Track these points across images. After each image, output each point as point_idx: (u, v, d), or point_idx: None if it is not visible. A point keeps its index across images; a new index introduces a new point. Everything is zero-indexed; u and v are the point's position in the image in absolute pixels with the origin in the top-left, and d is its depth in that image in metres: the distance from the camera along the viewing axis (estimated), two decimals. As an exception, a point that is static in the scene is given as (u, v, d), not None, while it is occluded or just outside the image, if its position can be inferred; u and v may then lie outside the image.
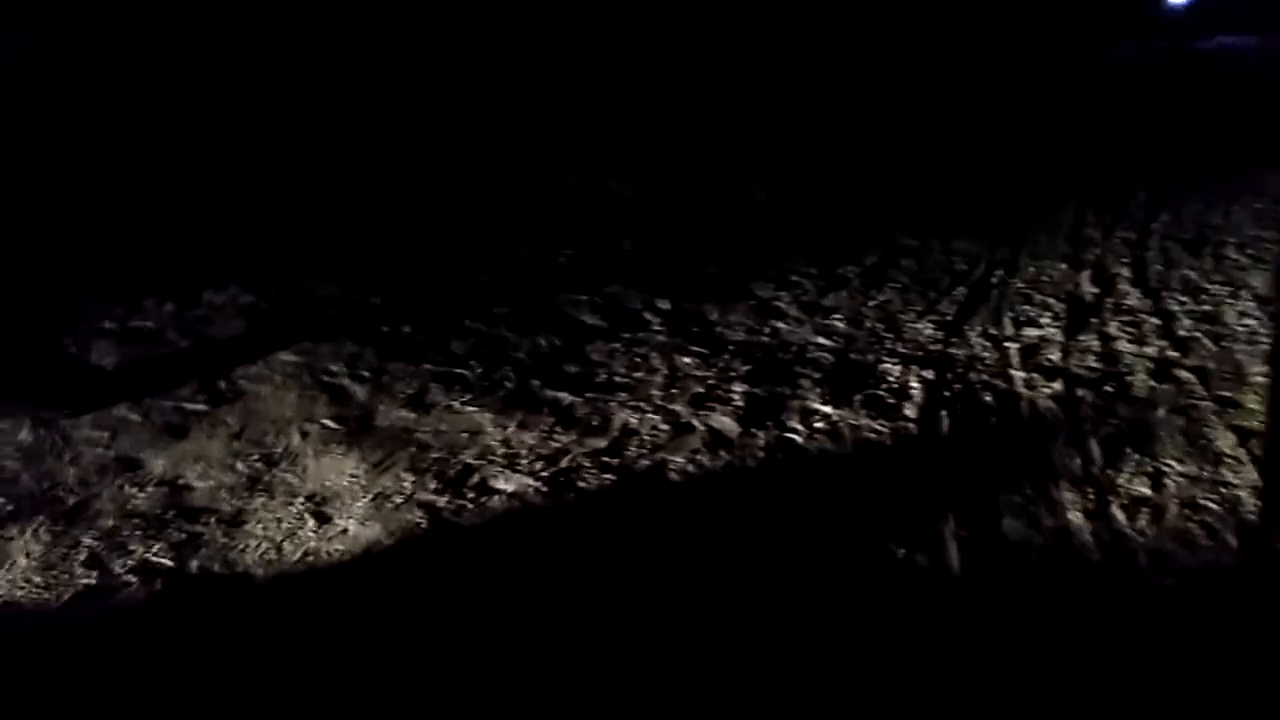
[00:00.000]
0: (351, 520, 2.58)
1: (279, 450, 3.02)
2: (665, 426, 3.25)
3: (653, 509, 2.70)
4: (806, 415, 3.39)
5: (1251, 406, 3.38)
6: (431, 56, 9.89)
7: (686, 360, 3.89)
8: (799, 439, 3.20)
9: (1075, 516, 2.74)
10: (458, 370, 3.67)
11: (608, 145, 8.79)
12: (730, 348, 4.09)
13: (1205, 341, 4.13)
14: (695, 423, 3.29)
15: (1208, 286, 4.96)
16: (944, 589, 2.35)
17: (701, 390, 3.58)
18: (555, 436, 3.15)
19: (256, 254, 5.24)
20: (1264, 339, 4.09)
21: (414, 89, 9.45)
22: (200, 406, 3.36)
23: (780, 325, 4.43)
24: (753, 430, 3.24)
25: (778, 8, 11.49)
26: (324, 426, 3.18)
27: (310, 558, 2.40)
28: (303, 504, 2.68)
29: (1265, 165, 7.61)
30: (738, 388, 3.60)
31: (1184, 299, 4.77)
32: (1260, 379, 3.64)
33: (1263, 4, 10.70)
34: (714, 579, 2.35)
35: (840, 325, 4.44)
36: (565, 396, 3.47)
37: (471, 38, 10.33)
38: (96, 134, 6.17)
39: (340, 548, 2.45)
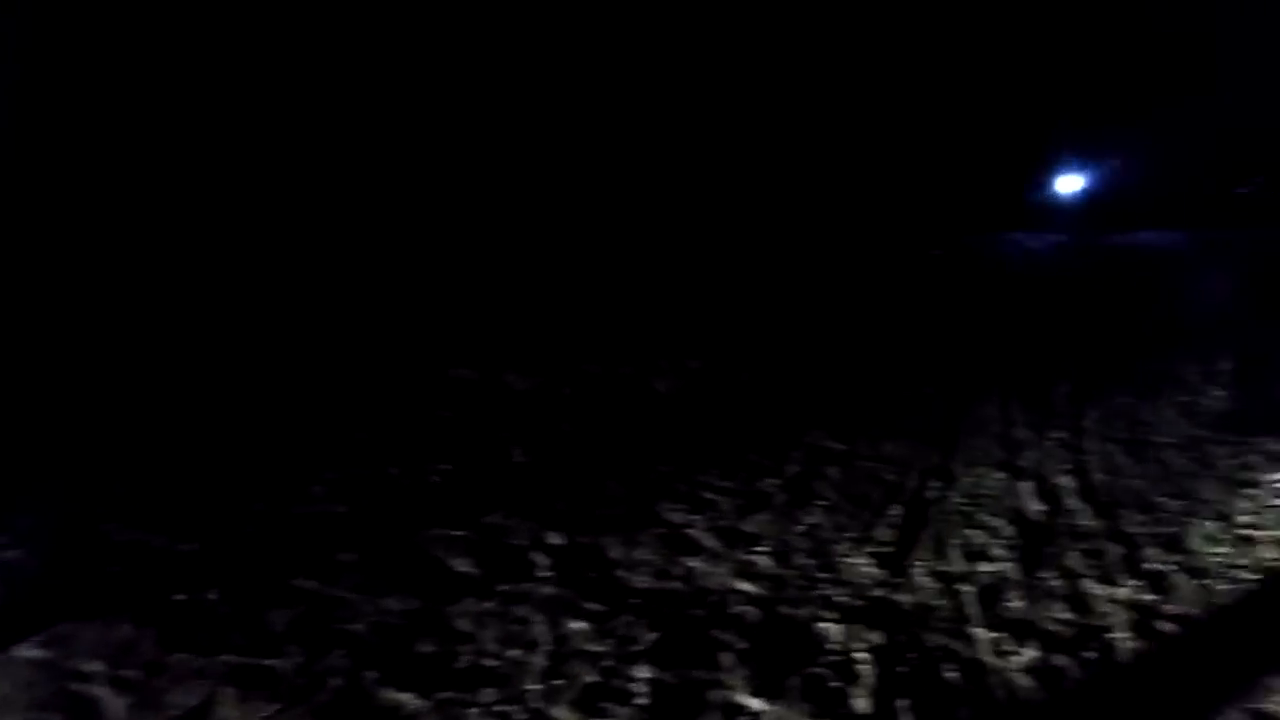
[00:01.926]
0: None
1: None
2: (543, 751, 2.41)
3: None
4: (731, 714, 2.60)
5: (1267, 682, 2.74)
6: (311, 222, 9.33)
7: (578, 626, 3.08)
8: (723, 763, 2.39)
9: None
10: (266, 661, 2.76)
11: (509, 332, 8.19)
12: (634, 602, 3.30)
13: (1181, 579, 3.55)
14: (584, 739, 2.46)
15: (1161, 500, 4.47)
16: None
17: (595, 677, 2.76)
18: (386, 781, 2.26)
19: (49, 482, 4.29)
20: (1244, 575, 3.54)
21: (285, 257, 8.79)
22: None
23: (694, 564, 3.69)
24: (661, 751, 2.42)
25: (680, 192, 11.46)
26: (41, 784, 2.22)
27: None
28: None
29: (1183, 358, 7.45)
30: (641, 671, 2.80)
31: (1140, 518, 4.25)
32: (1257, 637, 3.04)
33: (1164, 202, 11.18)
34: None
35: (765, 562, 3.72)
36: (408, 700, 2.60)
37: (364, 210, 9.86)
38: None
39: None
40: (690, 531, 4.05)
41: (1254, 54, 10.22)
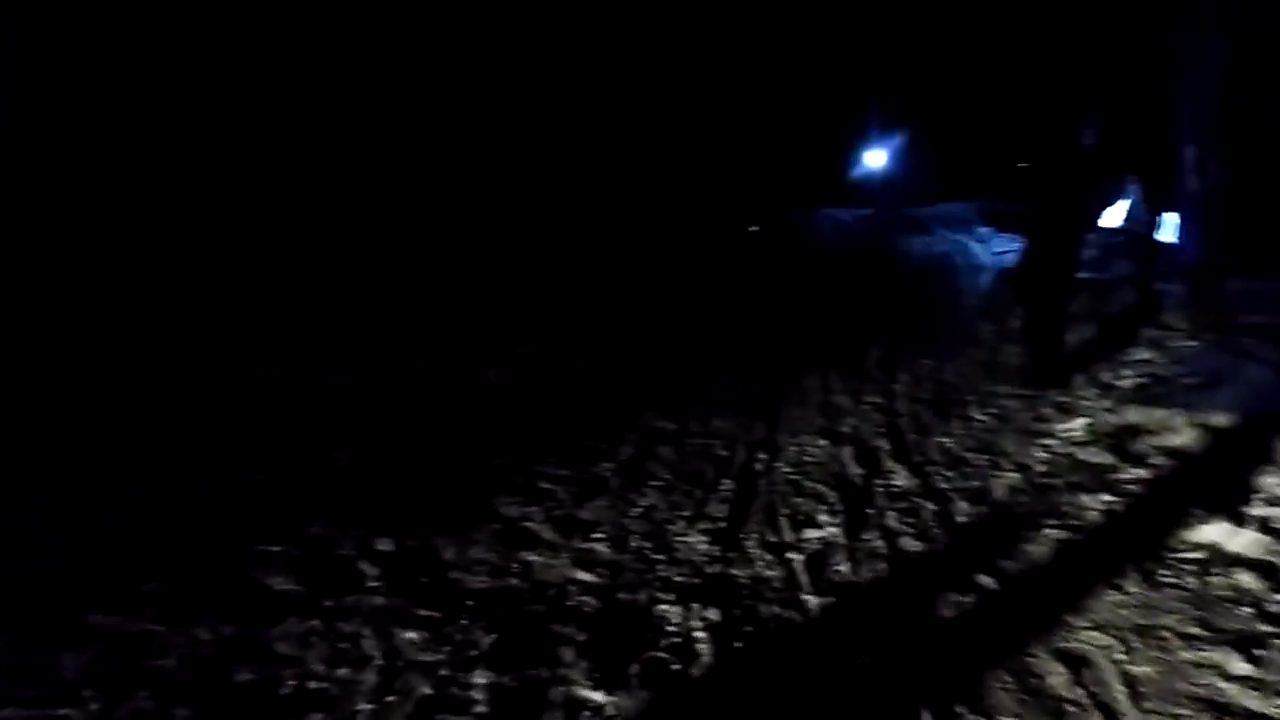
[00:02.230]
0: None
1: None
2: (377, 773, 2.29)
3: None
4: (573, 710, 2.56)
5: (1068, 619, 2.97)
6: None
7: (411, 636, 2.96)
8: (566, 762, 2.36)
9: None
10: (59, 711, 2.48)
11: (328, 329, 7.76)
12: (469, 604, 3.21)
13: (989, 529, 3.81)
14: (421, 757, 2.35)
15: (967, 455, 4.79)
16: None
17: (430, 689, 2.65)
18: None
19: None
20: (1044, 521, 3.83)
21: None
22: None
23: (532, 558, 3.63)
24: (502, 757, 2.35)
25: (505, 181, 11.29)
26: None
27: None
28: None
29: (978, 317, 8.03)
30: (479, 677, 2.71)
31: (950, 473, 4.54)
32: (1057, 579, 3.30)
33: (951, 178, 12.07)
34: None
35: (603, 549, 3.71)
36: (227, 738, 2.41)
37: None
38: None
39: None
40: (527, 524, 3.98)
41: (1035, 51, 11.19)
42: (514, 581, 3.41)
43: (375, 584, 3.36)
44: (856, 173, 14.20)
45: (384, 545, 3.71)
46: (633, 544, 3.76)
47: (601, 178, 12.31)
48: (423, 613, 3.12)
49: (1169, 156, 6.90)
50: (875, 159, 14.13)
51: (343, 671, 2.73)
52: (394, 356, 6.92)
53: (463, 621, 3.06)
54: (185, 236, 8.90)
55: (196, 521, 3.89)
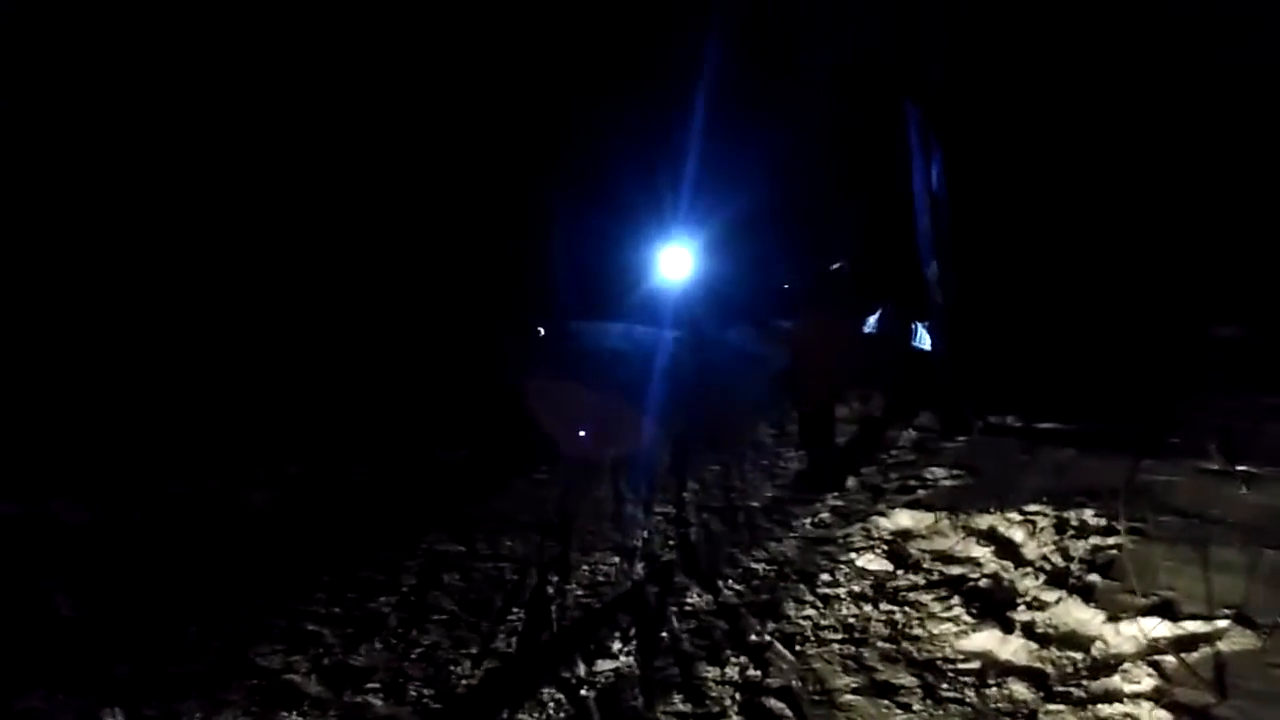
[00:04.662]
0: None
1: None
2: None
3: None
4: None
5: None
6: None
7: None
8: None
9: None
10: None
11: (62, 453, 6.81)
12: (214, 787, 2.75)
13: (780, 649, 3.77)
14: None
15: (755, 568, 4.81)
16: None
17: None
18: None
19: None
20: (831, 637, 3.84)
21: None
22: None
23: (293, 719, 3.20)
24: None
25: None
26: None
27: None
28: None
29: (760, 424, 8.30)
30: None
31: (739, 587, 4.52)
32: (850, 697, 3.30)
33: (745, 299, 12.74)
34: None
35: (377, 703, 3.36)
36: None
37: None
38: None
39: None
40: (290, 677, 3.55)
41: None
42: (271, 753, 2.99)
43: (95, 772, 2.83)
44: (652, 286, 14.33)
45: (113, 718, 3.16)
46: (411, 692, 3.43)
47: (378, 278, 11.96)
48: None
49: (915, 275, 7.60)
50: (675, 268, 14.21)
51: None
52: (140, 481, 6.16)
53: (203, 815, 2.61)
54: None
55: None
